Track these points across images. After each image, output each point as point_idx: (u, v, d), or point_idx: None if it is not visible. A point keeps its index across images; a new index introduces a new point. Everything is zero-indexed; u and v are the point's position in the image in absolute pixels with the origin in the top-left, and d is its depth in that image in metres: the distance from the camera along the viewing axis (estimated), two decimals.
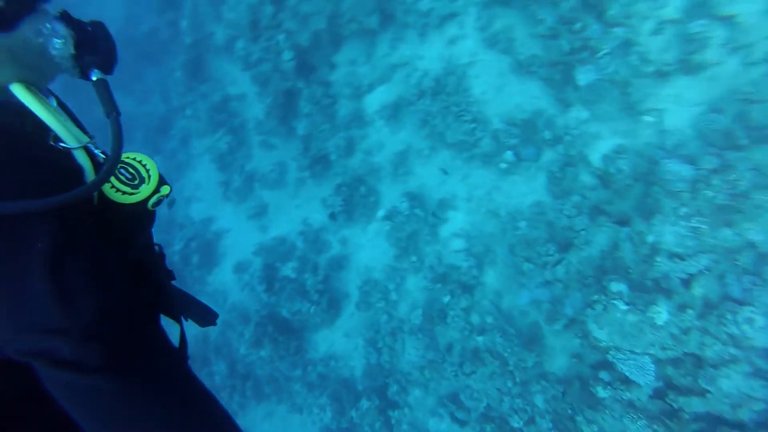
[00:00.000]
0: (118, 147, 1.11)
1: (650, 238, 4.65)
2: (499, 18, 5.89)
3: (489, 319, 6.10)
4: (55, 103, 1.13)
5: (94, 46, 1.18)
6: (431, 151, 6.83)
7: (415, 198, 6.85)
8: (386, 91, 7.14)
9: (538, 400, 5.54)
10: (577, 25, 5.07)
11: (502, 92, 6.00)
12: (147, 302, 1.21)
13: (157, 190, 1.21)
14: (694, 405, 4.60)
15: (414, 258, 6.82)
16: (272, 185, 8.16)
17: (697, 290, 4.57)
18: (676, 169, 4.62)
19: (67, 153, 1.08)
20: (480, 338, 6.07)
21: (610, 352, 4.78)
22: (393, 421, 6.57)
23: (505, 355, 5.78)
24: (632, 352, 4.67)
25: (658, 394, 4.81)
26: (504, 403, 5.74)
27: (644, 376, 4.74)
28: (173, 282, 1.60)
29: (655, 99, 4.93)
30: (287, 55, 7.14)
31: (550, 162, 5.64)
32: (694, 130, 4.85)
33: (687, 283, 4.63)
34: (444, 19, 6.42)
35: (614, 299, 4.62)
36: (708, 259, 4.56)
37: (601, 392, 4.98)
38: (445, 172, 5.95)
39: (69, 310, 0.92)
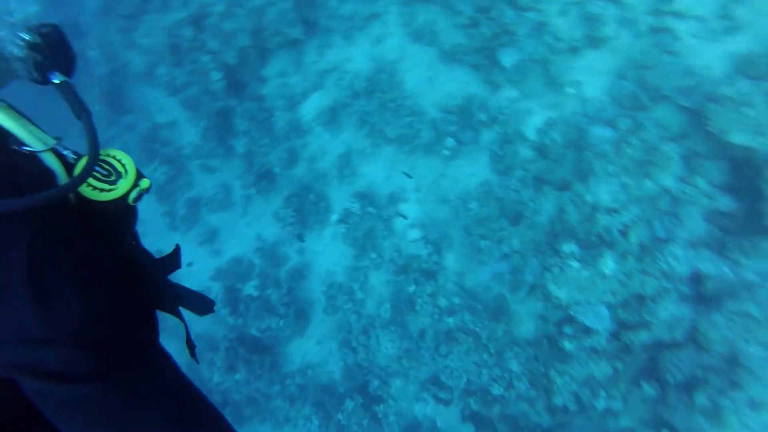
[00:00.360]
0: (95, 146, 1.10)
1: (589, 198, 5.12)
2: (421, 13, 6.20)
3: (456, 300, 6.40)
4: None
5: (51, 49, 1.15)
6: (374, 149, 7.04)
7: (365, 197, 7.03)
8: (320, 97, 7.27)
9: (513, 366, 5.91)
10: (494, 13, 5.47)
11: (433, 83, 6.31)
12: (139, 301, 1.19)
13: (135, 184, 1.16)
14: (642, 337, 5.13)
15: (374, 255, 7.00)
16: (219, 208, 8.05)
17: (633, 238, 5.09)
18: (600, 134, 5.12)
19: (33, 157, 1.04)
20: (450, 319, 6.36)
21: (571, 308, 5.21)
22: (380, 416, 6.73)
23: (477, 330, 6.10)
24: (589, 303, 5.12)
25: (613, 336, 5.31)
26: (483, 375, 6.06)
27: (601, 322, 5.21)
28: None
29: (572, 72, 5.41)
30: (216, 75, 7.09)
31: (489, 142, 6.02)
32: (608, 96, 5.39)
33: (624, 233, 5.14)
34: (367, 20, 6.65)
35: (568, 259, 5.05)
36: (637, 209, 5.09)
37: (568, 345, 5.41)
38: (409, 176, 6.20)
39: (51, 318, 0.88)
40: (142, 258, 1.32)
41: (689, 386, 4.87)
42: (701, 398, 4.77)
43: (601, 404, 5.31)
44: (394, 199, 6.82)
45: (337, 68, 7.02)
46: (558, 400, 5.50)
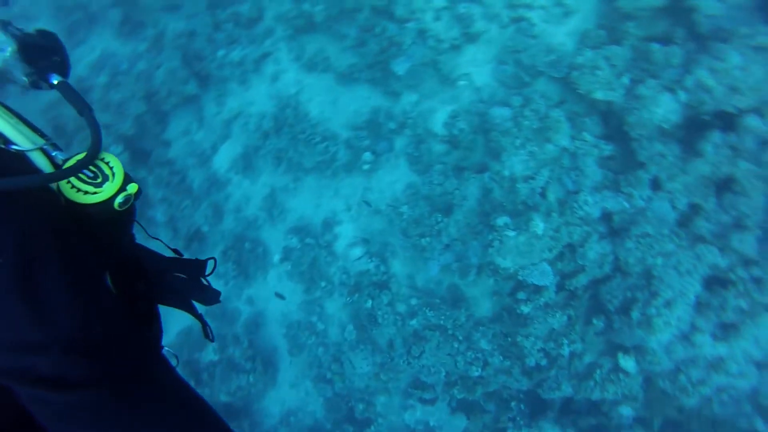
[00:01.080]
0: (98, 138, 1.11)
1: (506, 173, 5.66)
2: (309, 44, 6.54)
3: (413, 301, 6.67)
4: None
5: (45, 52, 1.19)
6: (296, 183, 7.20)
7: (300, 230, 7.15)
8: (231, 146, 7.33)
9: (483, 344, 6.26)
10: (377, 30, 5.94)
11: (337, 105, 6.64)
12: (137, 306, 1.18)
13: (122, 189, 1.12)
14: (581, 280, 5.72)
15: (323, 283, 7.11)
16: None
17: (551, 196, 5.69)
18: (499, 114, 5.70)
19: (21, 156, 1.04)
20: (413, 321, 6.60)
21: (519, 274, 5.68)
22: None
23: (441, 323, 6.40)
24: (533, 264, 5.62)
25: (559, 287, 5.85)
26: (458, 363, 6.34)
27: (547, 278, 5.73)
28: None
29: (460, 67, 6.00)
30: (115, 149, 6.91)
31: (404, 147, 6.43)
32: (496, 81, 6.02)
33: (543, 194, 5.73)
34: (259, 62, 6.87)
35: (504, 231, 5.52)
36: (547, 171, 5.71)
37: (525, 309, 5.86)
38: (369, 204, 6.42)
39: (45, 323, 0.87)
40: (141, 256, 1.30)
41: (625, 308, 5.49)
42: (635, 314, 5.38)
43: (566, 351, 5.80)
44: (328, 224, 7.00)
45: (241, 114, 7.14)
46: (530, 362, 5.92)
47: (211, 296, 1.59)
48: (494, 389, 6.42)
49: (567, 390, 5.88)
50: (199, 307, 1.70)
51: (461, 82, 6.06)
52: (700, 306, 5.33)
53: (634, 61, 5.21)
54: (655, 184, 5.29)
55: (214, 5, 6.92)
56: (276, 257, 7.15)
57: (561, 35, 5.64)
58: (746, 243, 5.01)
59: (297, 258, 6.99)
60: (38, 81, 1.20)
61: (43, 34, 1.24)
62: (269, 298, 7.46)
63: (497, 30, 5.90)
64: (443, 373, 6.57)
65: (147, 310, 1.29)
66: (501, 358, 6.20)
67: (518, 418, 6.15)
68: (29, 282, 0.87)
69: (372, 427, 6.87)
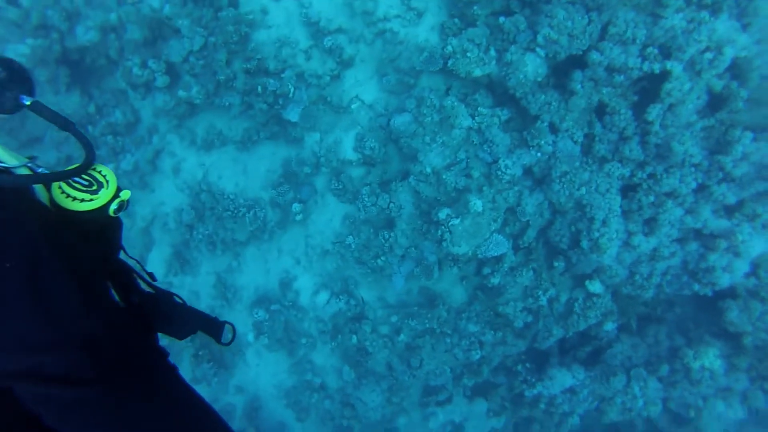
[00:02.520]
0: (91, 148, 1.18)
1: (428, 169, 6.11)
2: (197, 125, 6.62)
3: (394, 319, 6.95)
4: None
5: (12, 75, 1.25)
6: (237, 258, 7.21)
7: (262, 301, 7.16)
8: (158, 251, 7.19)
9: (472, 328, 6.67)
10: (259, 89, 6.15)
11: (248, 172, 6.77)
12: (137, 311, 1.24)
13: (116, 195, 1.20)
14: (530, 234, 6.33)
15: (304, 340, 7.17)
16: None
17: (476, 173, 6.21)
18: (400, 120, 6.15)
19: (8, 173, 1.09)
20: (401, 336, 6.87)
21: (477, 253, 6.15)
22: None
23: (427, 326, 6.72)
24: (485, 240, 6.11)
25: (515, 249, 6.41)
26: (458, 355, 6.70)
27: (502, 246, 6.25)
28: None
29: (347, 93, 6.38)
30: None
31: (326, 184, 6.71)
32: (385, 93, 6.48)
33: (468, 175, 6.25)
34: (154, 161, 6.83)
35: (449, 222, 5.96)
36: (463, 153, 6.24)
37: (494, 280, 6.34)
38: (363, 300, 6.67)
39: (53, 323, 0.92)
40: (131, 273, 1.35)
41: (575, 242, 6.16)
42: (585, 243, 6.05)
43: (544, 300, 6.36)
44: (285, 284, 7.09)
45: (156, 217, 7.02)
46: (518, 324, 6.42)
47: (221, 328, 1.53)
48: (498, 362, 6.86)
49: (558, 333, 6.44)
50: None
51: (354, 106, 6.44)
52: (625, 214, 6.10)
53: (492, 35, 5.88)
54: (553, 128, 6.00)
55: (82, 125, 6.77)
56: (249, 336, 7.10)
57: (423, 34, 6.21)
58: (634, 150, 5.85)
59: (269, 328, 7.00)
60: (11, 106, 1.25)
61: (6, 60, 1.29)
62: (256, 376, 7.38)
63: (366, 48, 6.35)
64: (448, 371, 6.90)
65: (146, 317, 1.33)
66: (492, 332, 6.65)
67: (529, 377, 6.63)
68: (36, 285, 0.91)
69: None
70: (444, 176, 6.13)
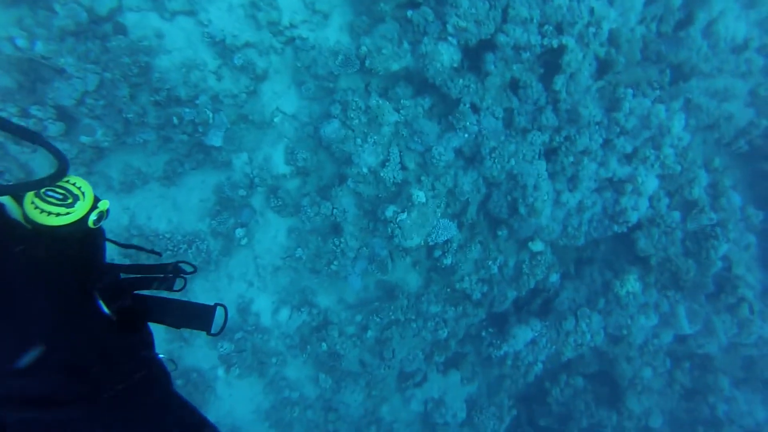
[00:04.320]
0: (63, 157, 1.18)
1: (365, 170, 6.34)
2: (112, 167, 6.28)
3: (358, 318, 7.26)
4: None
5: None
6: (186, 295, 7.00)
7: (225, 333, 7.08)
8: None
9: (434, 309, 7.15)
10: (174, 120, 5.94)
11: (179, 206, 6.58)
12: (127, 315, 1.24)
13: (94, 206, 1.19)
14: (472, 211, 6.84)
15: (274, 359, 7.27)
16: None
17: (411, 165, 6.53)
18: (328, 127, 6.27)
19: None
20: (369, 333, 7.20)
21: (428, 240, 6.55)
22: None
23: (391, 317, 7.09)
24: (434, 226, 6.52)
25: (459, 226, 6.90)
26: (426, 337, 7.17)
27: (450, 229, 6.71)
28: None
29: (267, 107, 6.37)
30: None
31: (264, 203, 6.73)
32: (306, 101, 6.54)
33: (404, 168, 6.55)
34: None
35: (397, 217, 6.28)
36: (395, 148, 6.52)
37: (447, 261, 6.81)
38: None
39: (30, 346, 0.91)
40: (121, 279, 1.36)
41: (513, 210, 6.75)
42: (522, 209, 6.66)
43: (495, 269, 6.96)
44: (243, 309, 7.09)
45: None
46: (476, 295, 6.99)
47: (204, 313, 1.53)
48: (463, 334, 7.44)
49: (512, 294, 7.12)
50: None
51: (276, 119, 6.44)
52: (551, 176, 6.78)
53: (402, 29, 6.12)
54: (475, 109, 6.44)
55: None
56: (219, 371, 7.06)
57: (334, 35, 6.29)
58: (549, 117, 6.48)
59: (238, 358, 7.00)
60: None
61: None
62: (231, 408, 7.40)
63: (278, 59, 6.32)
64: (420, 354, 7.36)
65: (137, 320, 1.35)
66: (453, 308, 7.19)
67: (494, 341, 7.28)
68: (12, 308, 0.91)
69: None
70: (381, 173, 6.39)
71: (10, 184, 1.09)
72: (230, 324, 7.09)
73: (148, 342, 1.39)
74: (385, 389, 7.57)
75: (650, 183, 6.98)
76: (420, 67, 6.19)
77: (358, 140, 6.35)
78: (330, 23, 6.28)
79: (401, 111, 6.41)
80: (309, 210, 6.63)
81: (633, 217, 7.07)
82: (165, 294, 1.51)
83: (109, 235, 1.34)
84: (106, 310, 1.20)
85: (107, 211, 1.23)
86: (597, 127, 6.61)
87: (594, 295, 7.58)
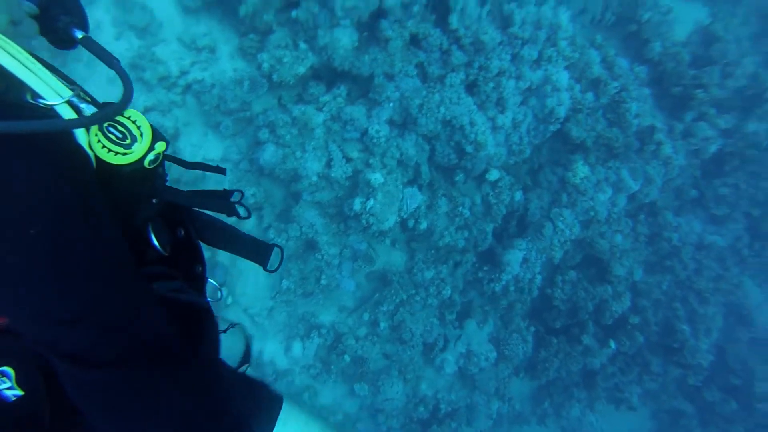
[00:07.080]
0: (130, 88, 1.19)
1: (314, 178, 6.56)
2: None
3: (366, 317, 7.58)
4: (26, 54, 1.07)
5: (64, 6, 1.23)
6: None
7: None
8: None
9: (429, 274, 7.62)
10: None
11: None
12: (183, 246, 1.27)
13: (152, 148, 1.19)
14: (424, 171, 7.30)
15: (306, 395, 7.43)
16: None
17: (354, 154, 6.80)
18: (267, 154, 6.36)
19: (50, 111, 1.07)
20: (382, 325, 7.56)
21: (402, 214, 6.93)
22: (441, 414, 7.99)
23: (397, 300, 7.48)
24: (401, 200, 6.91)
25: (420, 188, 7.32)
26: (433, 303, 7.66)
27: (416, 197, 7.13)
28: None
29: (192, 159, 6.29)
30: None
31: (230, 256, 6.70)
32: (227, 139, 6.53)
33: (348, 159, 6.80)
34: None
35: (366, 207, 6.58)
36: (333, 144, 6.74)
37: (423, 225, 7.25)
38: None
39: (72, 298, 0.93)
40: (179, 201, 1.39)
41: (460, 152, 7.27)
42: (468, 148, 7.22)
43: (467, 212, 7.51)
44: (257, 364, 7.12)
45: None
46: (461, 243, 7.54)
47: (264, 248, 1.64)
48: (462, 283, 8.01)
49: (490, 227, 7.74)
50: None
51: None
52: (480, 107, 7.35)
53: (293, 31, 6.23)
54: (389, 77, 6.79)
55: None
56: None
57: (228, 66, 6.28)
58: (457, 56, 6.98)
59: None
60: (62, 39, 1.25)
61: None
62: None
63: (182, 111, 6.24)
64: (435, 321, 7.86)
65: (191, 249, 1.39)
66: (444, 265, 7.71)
67: (492, 276, 7.93)
68: (60, 254, 0.93)
69: (441, 407, 8.05)
70: (332, 174, 6.62)
71: (74, 119, 1.07)
72: None
73: (198, 275, 1.43)
74: (416, 368, 8.03)
75: (562, 77, 7.77)
76: (325, 60, 6.38)
77: (298, 153, 6.49)
78: (219, 55, 6.25)
79: (323, 108, 6.61)
80: (278, 240, 6.73)
81: (561, 112, 7.88)
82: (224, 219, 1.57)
83: None
84: (156, 243, 1.25)
85: (164, 152, 1.25)
86: (501, 47, 7.22)
87: (556, 194, 8.42)
